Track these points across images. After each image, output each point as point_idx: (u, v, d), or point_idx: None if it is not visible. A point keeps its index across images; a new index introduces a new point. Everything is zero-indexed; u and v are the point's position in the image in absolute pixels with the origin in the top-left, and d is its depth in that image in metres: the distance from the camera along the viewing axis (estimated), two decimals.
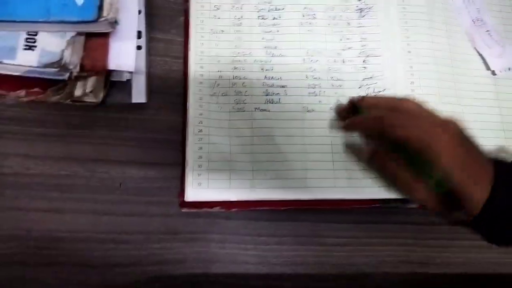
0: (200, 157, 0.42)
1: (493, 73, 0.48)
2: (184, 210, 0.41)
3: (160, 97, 0.44)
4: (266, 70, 0.46)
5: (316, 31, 0.48)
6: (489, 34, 0.49)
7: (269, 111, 0.44)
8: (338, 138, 0.44)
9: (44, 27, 0.38)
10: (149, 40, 0.46)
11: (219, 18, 0.47)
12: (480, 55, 0.49)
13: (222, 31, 0.47)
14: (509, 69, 0.48)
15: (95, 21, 0.37)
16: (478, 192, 0.34)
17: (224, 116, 0.44)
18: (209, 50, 0.46)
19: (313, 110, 0.45)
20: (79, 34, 0.39)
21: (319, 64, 0.46)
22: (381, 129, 0.39)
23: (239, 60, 0.46)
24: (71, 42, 0.38)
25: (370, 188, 0.43)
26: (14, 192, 0.40)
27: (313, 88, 0.45)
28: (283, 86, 0.45)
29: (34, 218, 0.40)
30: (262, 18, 0.47)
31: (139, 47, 0.43)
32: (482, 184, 0.34)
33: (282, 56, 0.46)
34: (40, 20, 0.37)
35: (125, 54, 0.41)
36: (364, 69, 0.47)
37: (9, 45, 0.38)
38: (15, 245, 0.39)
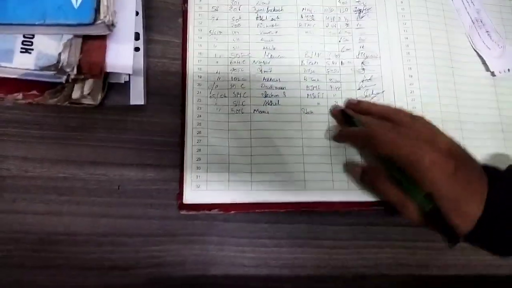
0: (199, 159, 0.42)
1: (493, 74, 0.48)
2: (183, 212, 0.41)
3: (158, 99, 0.44)
4: (265, 71, 0.45)
5: (314, 32, 0.47)
6: (488, 35, 0.49)
7: (267, 112, 0.44)
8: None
9: (40, 30, 0.38)
10: (147, 42, 0.45)
11: (217, 19, 0.47)
12: (480, 56, 0.49)
13: (220, 32, 0.46)
14: (508, 70, 0.48)
15: (92, 24, 0.36)
16: (471, 207, 0.34)
17: (223, 118, 0.44)
18: (207, 52, 0.46)
19: (311, 112, 0.45)
20: (76, 36, 0.39)
21: (318, 66, 0.46)
22: (369, 145, 0.40)
23: (238, 62, 0.45)
24: (68, 45, 0.38)
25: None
26: (12, 195, 0.40)
27: (312, 90, 0.45)
28: (281, 88, 0.45)
29: (32, 221, 0.40)
30: (260, 19, 0.47)
31: (137, 49, 0.43)
32: (475, 199, 0.34)
33: (280, 57, 0.46)
34: (37, 23, 0.36)
35: (123, 56, 0.41)
36: (363, 71, 0.46)
37: (5, 48, 0.37)
38: (12, 248, 0.39)
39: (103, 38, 0.40)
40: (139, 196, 0.41)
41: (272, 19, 0.47)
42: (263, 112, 0.44)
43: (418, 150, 0.35)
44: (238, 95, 0.44)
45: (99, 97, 0.41)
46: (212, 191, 0.42)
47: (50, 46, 0.38)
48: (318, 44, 0.47)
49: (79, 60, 0.39)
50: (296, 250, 0.42)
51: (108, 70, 0.40)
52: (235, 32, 0.46)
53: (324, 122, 0.44)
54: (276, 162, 0.43)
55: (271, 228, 0.42)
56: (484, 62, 0.48)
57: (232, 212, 0.42)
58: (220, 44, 0.46)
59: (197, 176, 0.42)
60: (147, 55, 0.45)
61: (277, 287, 0.42)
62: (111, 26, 0.38)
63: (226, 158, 0.42)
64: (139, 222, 0.41)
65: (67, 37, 0.39)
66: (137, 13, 0.44)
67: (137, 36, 0.43)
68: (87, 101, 0.41)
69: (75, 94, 0.40)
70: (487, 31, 0.49)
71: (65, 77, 0.38)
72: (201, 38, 0.46)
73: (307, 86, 0.45)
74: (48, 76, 0.38)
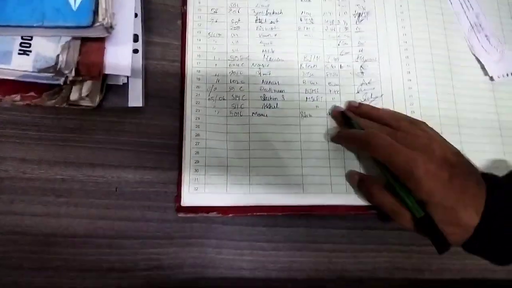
0: (197, 161, 0.42)
1: (491, 78, 0.48)
2: (181, 214, 0.41)
3: (157, 101, 0.44)
4: (264, 74, 0.45)
5: (313, 35, 0.47)
6: (487, 39, 0.49)
7: (266, 115, 0.44)
8: (335, 144, 0.44)
9: (38, 32, 0.38)
10: (146, 44, 0.45)
11: (216, 21, 0.47)
12: (479, 60, 0.49)
13: (219, 34, 0.46)
14: (507, 74, 0.48)
15: (90, 26, 0.36)
16: (467, 215, 0.34)
17: (221, 121, 0.44)
18: (206, 54, 0.45)
19: (310, 116, 0.44)
20: (74, 38, 0.39)
21: (317, 69, 0.46)
22: (366, 148, 0.40)
23: (237, 64, 0.45)
24: (66, 47, 0.38)
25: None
26: (10, 196, 0.40)
27: (310, 93, 0.45)
28: (280, 91, 0.45)
29: (30, 222, 0.40)
30: (260, 22, 0.47)
31: (135, 51, 0.43)
32: (472, 207, 0.34)
33: (279, 60, 0.46)
34: (35, 25, 0.36)
35: (122, 58, 0.41)
36: (362, 74, 0.46)
37: (3, 49, 0.37)
38: (10, 249, 0.39)
39: (101, 40, 0.40)
40: (137, 198, 0.41)
41: (271, 22, 0.47)
42: (262, 115, 0.44)
43: (413, 158, 0.35)
44: (237, 98, 0.44)
45: (97, 99, 0.41)
46: (210, 194, 0.42)
47: (48, 48, 0.38)
48: (317, 47, 0.47)
49: (77, 62, 0.39)
50: (294, 253, 0.42)
51: (106, 72, 0.40)
52: (234, 34, 0.46)
53: (323, 125, 0.44)
54: (275, 165, 0.43)
55: (269, 231, 0.42)
56: (482, 67, 0.48)
57: (230, 215, 0.42)
58: (219, 47, 0.46)
59: (195, 178, 0.42)
60: (145, 57, 0.45)
61: None
62: (109, 28, 0.38)
63: (224, 160, 0.42)
64: (137, 224, 0.41)
65: (65, 39, 0.39)
66: (136, 15, 0.44)
67: (135, 38, 0.43)
68: (85, 103, 0.41)
69: (73, 96, 0.40)
70: (486, 36, 0.49)
71: (63, 79, 0.38)
72: (200, 40, 0.46)
73: (306, 90, 0.45)
74: (46, 78, 0.38)
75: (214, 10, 0.47)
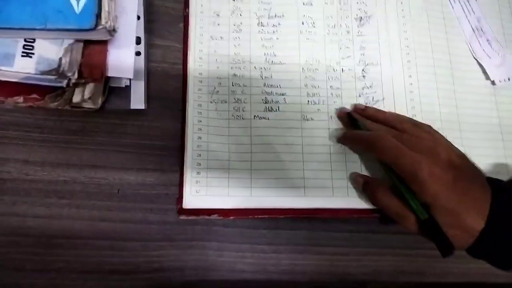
0: (199, 164, 0.42)
1: (493, 82, 0.48)
2: (182, 217, 0.41)
3: (159, 103, 0.44)
4: (265, 77, 0.45)
5: (315, 39, 0.47)
6: (489, 43, 0.49)
7: (268, 119, 0.44)
8: (337, 147, 0.44)
9: (41, 35, 0.38)
10: (148, 46, 0.46)
11: (218, 24, 0.47)
12: (480, 64, 0.49)
13: (221, 37, 0.46)
14: (508, 79, 0.48)
15: (93, 29, 0.37)
16: (472, 219, 0.34)
17: (223, 124, 0.44)
18: (208, 57, 0.46)
19: (312, 119, 0.45)
20: (77, 41, 0.39)
21: (318, 73, 0.46)
22: (372, 149, 0.40)
23: (239, 67, 0.46)
24: (69, 49, 0.38)
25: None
26: (13, 198, 0.40)
27: (312, 96, 0.45)
28: (282, 94, 0.45)
29: (32, 224, 0.40)
30: (262, 25, 0.47)
31: (138, 53, 0.43)
32: (477, 211, 0.34)
33: (281, 63, 0.46)
34: (38, 27, 0.36)
35: (124, 60, 0.41)
36: (363, 78, 0.47)
37: (6, 52, 0.37)
38: (12, 251, 0.39)
39: (104, 42, 0.40)
40: (139, 201, 0.41)
41: (273, 25, 0.47)
42: (264, 118, 0.44)
43: (418, 161, 0.35)
44: (239, 101, 0.44)
45: (100, 101, 0.41)
46: (212, 196, 0.42)
47: (51, 51, 0.38)
48: (319, 51, 0.47)
49: (80, 64, 0.39)
50: (295, 256, 0.42)
51: (109, 74, 0.40)
52: (236, 37, 0.47)
53: (325, 128, 0.44)
54: (276, 168, 0.43)
55: (271, 234, 0.42)
56: (484, 71, 0.49)
57: (232, 217, 0.42)
58: (221, 50, 0.46)
59: (197, 181, 0.42)
60: (148, 60, 0.45)
61: None
62: (112, 31, 0.38)
63: (226, 163, 0.43)
64: (139, 227, 0.41)
65: (68, 41, 0.39)
66: (138, 17, 0.44)
67: (138, 41, 0.43)
68: (88, 105, 0.41)
69: (76, 98, 0.40)
70: (487, 40, 0.49)
71: (66, 81, 0.38)
72: (202, 43, 0.46)
73: (307, 93, 0.45)
74: (49, 80, 0.38)
75: (216, 13, 0.47)
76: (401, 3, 0.49)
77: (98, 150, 0.42)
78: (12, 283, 0.39)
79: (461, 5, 0.50)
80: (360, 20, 0.48)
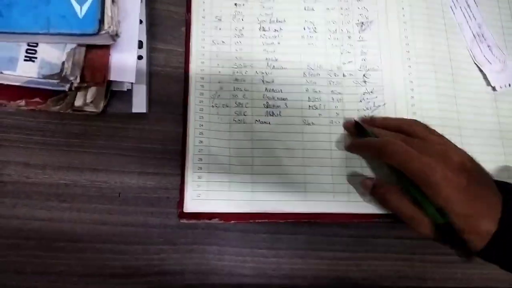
0: (200, 168, 0.42)
1: (494, 89, 0.48)
2: (183, 221, 0.41)
3: (161, 107, 0.44)
4: (267, 82, 0.46)
5: (317, 44, 0.48)
6: (490, 49, 0.49)
7: (269, 123, 0.44)
8: (338, 152, 0.44)
9: (44, 39, 0.38)
10: (150, 50, 0.46)
11: (220, 29, 0.47)
12: (481, 70, 0.49)
13: (223, 42, 0.47)
14: (509, 85, 0.48)
15: (96, 34, 0.37)
16: (484, 223, 0.33)
17: (224, 128, 0.44)
18: (210, 61, 0.46)
19: (313, 124, 0.45)
20: (79, 45, 0.39)
21: (320, 78, 0.46)
22: (382, 155, 0.39)
23: (240, 72, 0.46)
24: (71, 54, 0.38)
25: (370, 203, 0.43)
26: (13, 201, 0.40)
27: (313, 101, 0.45)
28: (283, 99, 0.45)
29: (33, 227, 0.40)
30: (263, 30, 0.47)
31: (140, 57, 0.43)
32: (489, 214, 0.34)
33: (283, 68, 0.46)
34: (40, 32, 0.37)
35: (126, 64, 0.41)
36: (365, 83, 0.47)
37: (9, 56, 0.38)
38: (13, 254, 0.39)
39: (106, 46, 0.40)
40: (140, 204, 0.42)
41: (275, 30, 0.47)
42: (265, 122, 0.44)
43: (430, 164, 0.35)
44: (240, 105, 0.45)
45: (102, 105, 0.41)
46: (213, 200, 0.42)
47: (53, 55, 0.38)
48: (320, 56, 0.47)
49: (82, 68, 0.39)
50: (296, 261, 0.42)
51: (111, 79, 0.41)
52: (238, 42, 0.47)
53: (326, 133, 0.45)
54: (277, 173, 0.43)
55: (271, 238, 0.43)
56: (485, 77, 0.49)
57: (232, 221, 0.42)
58: (223, 54, 0.46)
59: (198, 185, 0.42)
60: (150, 63, 0.45)
61: None
62: (115, 36, 0.39)
63: (227, 167, 0.43)
64: (140, 230, 0.41)
65: (70, 46, 0.39)
66: (140, 22, 0.44)
67: (140, 45, 0.44)
68: (90, 108, 0.41)
69: (78, 102, 0.40)
70: (488, 46, 0.49)
71: (68, 85, 0.38)
72: (204, 47, 0.46)
73: (309, 98, 0.46)
74: (51, 84, 0.38)
75: (218, 17, 0.47)
76: (403, 8, 0.50)
77: (100, 153, 0.42)
78: (12, 286, 0.39)
79: (462, 11, 0.50)
80: (362, 26, 0.49)
